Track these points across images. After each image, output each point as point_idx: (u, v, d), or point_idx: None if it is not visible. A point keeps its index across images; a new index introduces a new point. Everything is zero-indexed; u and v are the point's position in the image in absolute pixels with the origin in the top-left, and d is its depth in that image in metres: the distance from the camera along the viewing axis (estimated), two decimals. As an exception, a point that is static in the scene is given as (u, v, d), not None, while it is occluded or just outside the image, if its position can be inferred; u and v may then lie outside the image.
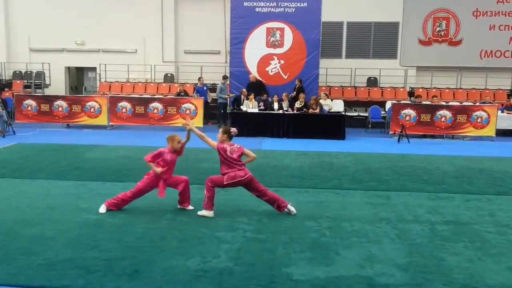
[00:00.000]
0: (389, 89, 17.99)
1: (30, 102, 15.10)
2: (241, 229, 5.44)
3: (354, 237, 5.27)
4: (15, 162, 9.09)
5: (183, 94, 16.01)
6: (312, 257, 4.67)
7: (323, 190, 7.46)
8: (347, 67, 18.33)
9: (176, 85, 18.20)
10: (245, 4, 15.44)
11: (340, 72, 17.96)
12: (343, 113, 15.29)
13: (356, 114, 17.07)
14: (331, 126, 13.74)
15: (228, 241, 5.05)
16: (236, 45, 15.66)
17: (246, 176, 6.01)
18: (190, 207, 6.27)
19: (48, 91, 19.02)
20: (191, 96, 16.04)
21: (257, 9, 15.43)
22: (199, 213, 6.03)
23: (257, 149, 11.43)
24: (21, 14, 19.73)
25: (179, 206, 6.29)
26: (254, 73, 15.55)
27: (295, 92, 15.01)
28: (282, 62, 15.57)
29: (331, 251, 4.84)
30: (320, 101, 14.70)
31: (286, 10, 15.35)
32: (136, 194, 6.10)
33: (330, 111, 14.87)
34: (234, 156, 6.04)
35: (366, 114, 16.56)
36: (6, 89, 18.18)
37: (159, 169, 6.04)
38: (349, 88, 18.13)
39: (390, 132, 14.30)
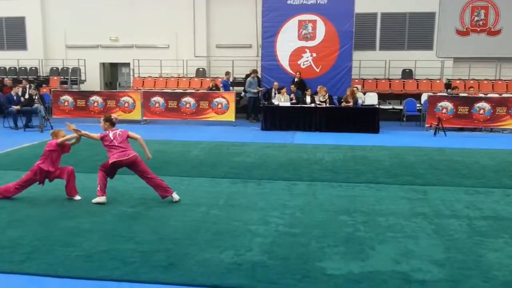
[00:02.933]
0: (424, 81, 17.57)
1: (66, 97, 15.46)
2: (273, 223, 5.42)
3: (389, 232, 5.17)
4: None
5: (214, 88, 16.08)
6: (346, 252, 4.61)
7: (357, 184, 7.36)
8: (381, 59, 18.00)
9: (208, 79, 18.29)
10: (277, -4, 15.35)
11: (374, 64, 17.65)
12: (377, 106, 15.04)
13: (390, 107, 16.75)
14: (365, 120, 13.53)
15: (261, 234, 5.04)
16: (268, 38, 15.59)
17: (129, 157, 6.13)
18: (78, 197, 6.30)
19: (83, 87, 19.42)
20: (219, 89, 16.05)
21: (288, 2, 15.30)
22: (93, 201, 6.11)
23: (289, 142, 11.40)
24: (57, 12, 20.18)
25: (67, 197, 6.33)
26: (286, 66, 15.47)
27: (293, 86, 14.82)
28: (314, 55, 15.41)
29: (365, 246, 4.76)
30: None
31: (319, 2, 15.15)
32: (22, 186, 6.21)
33: (363, 104, 14.65)
34: (118, 140, 6.19)
35: (401, 107, 16.23)
36: (43, 85, 18.64)
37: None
38: (383, 81, 17.80)
39: (426, 125, 13.98)
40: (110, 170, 6.23)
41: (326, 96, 14.13)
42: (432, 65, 17.65)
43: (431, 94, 15.34)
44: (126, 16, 19.61)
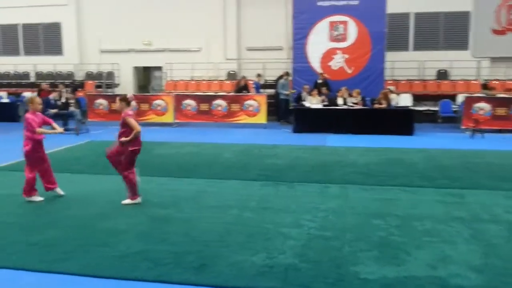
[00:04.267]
0: (461, 82, 17.17)
1: (101, 101, 15.79)
2: (306, 226, 5.38)
3: (425, 237, 5.05)
4: (88, 159, 9.54)
5: (243, 86, 16.07)
6: (380, 256, 4.53)
7: (391, 187, 7.23)
8: (415, 59, 17.69)
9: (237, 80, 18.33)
10: (307, -2, 15.30)
11: (407, 65, 17.36)
12: (411, 107, 14.77)
13: (425, 108, 16.41)
14: (399, 122, 13.28)
15: (293, 237, 5.01)
16: (299, 40, 15.55)
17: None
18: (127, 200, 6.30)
19: (117, 91, 19.81)
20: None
21: (319, 3, 15.22)
22: (123, 202, 6.14)
23: (321, 145, 11.32)
24: (92, 18, 20.67)
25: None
26: (317, 68, 15.39)
27: (325, 88, 14.66)
28: (346, 56, 15.28)
29: (400, 251, 4.66)
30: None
31: (350, 3, 15.03)
32: (33, 169, 6.28)
33: (397, 105, 14.40)
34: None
35: (436, 108, 15.87)
36: (79, 89, 19.09)
37: (57, 130, 6.41)
38: (417, 82, 17.49)
39: (462, 127, 13.63)
40: (133, 161, 6.23)
41: (359, 98, 13.97)
42: (468, 65, 17.21)
43: (468, 95, 14.96)
44: (159, 20, 19.89)
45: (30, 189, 6.28)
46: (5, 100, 18.00)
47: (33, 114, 6.28)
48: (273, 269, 4.22)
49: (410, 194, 6.82)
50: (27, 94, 18.83)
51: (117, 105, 6.30)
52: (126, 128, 6.08)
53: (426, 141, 12.02)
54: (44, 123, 6.39)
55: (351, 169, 8.46)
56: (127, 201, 6.22)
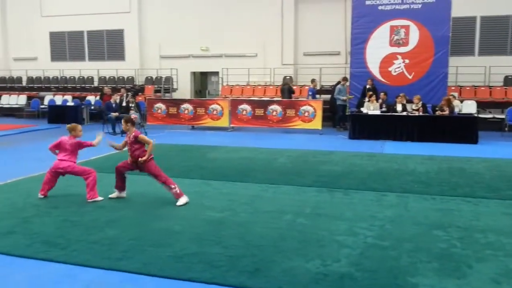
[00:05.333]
0: (530, 89, 16.28)
1: (160, 105, 16.21)
2: (362, 234, 5.24)
3: (488, 250, 4.79)
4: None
5: (287, 87, 16.03)
6: (440, 268, 4.33)
7: (453, 197, 6.92)
8: (481, 65, 16.94)
9: (294, 87, 18.25)
10: (367, 2, 15.04)
11: (472, 70, 16.66)
12: (476, 115, 14.14)
13: (490, 116, 15.68)
14: (462, 129, 12.74)
15: (348, 245, 4.90)
16: (357, 45, 15.32)
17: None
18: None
19: (175, 95, 20.30)
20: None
21: (380, 7, 14.94)
22: (178, 204, 6.34)
23: (378, 152, 11.05)
24: (153, 25, 21.34)
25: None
26: (376, 74, 15.11)
27: (383, 94, 14.29)
28: (406, 61, 14.89)
29: (462, 263, 4.45)
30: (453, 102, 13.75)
31: (412, 7, 14.64)
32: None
33: (460, 112, 13.83)
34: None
35: (503, 116, 15.10)
36: (139, 93, 19.73)
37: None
38: (482, 88, 16.73)
39: (531, 136, 12.92)
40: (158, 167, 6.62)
41: (420, 104, 13.54)
42: (538, 71, 16.32)
43: (537, 102, 14.15)
44: (216, 27, 20.24)
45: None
46: (70, 104, 18.88)
47: (71, 138, 6.75)
48: (328, 277, 4.13)
49: (473, 205, 6.51)
50: (91, 98, 19.73)
51: (123, 126, 6.68)
52: (138, 145, 6.46)
53: (491, 150, 11.47)
54: (77, 147, 6.78)
55: (410, 178, 8.19)
56: (180, 201, 6.35)
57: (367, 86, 14.95)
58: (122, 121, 6.68)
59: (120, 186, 6.69)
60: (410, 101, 13.93)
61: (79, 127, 6.87)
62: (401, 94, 14.01)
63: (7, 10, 23.41)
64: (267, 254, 4.63)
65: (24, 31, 22.93)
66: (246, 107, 15.40)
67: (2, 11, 23.35)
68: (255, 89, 19.32)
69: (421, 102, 13.60)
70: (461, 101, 15.05)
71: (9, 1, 23.31)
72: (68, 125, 6.86)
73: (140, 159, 6.37)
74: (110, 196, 6.67)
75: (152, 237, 5.09)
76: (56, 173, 6.74)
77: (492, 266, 4.38)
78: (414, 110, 13.52)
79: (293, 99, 16.10)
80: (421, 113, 13.36)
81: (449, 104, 13.18)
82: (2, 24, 23.36)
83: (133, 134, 6.48)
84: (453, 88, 16.15)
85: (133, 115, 12.39)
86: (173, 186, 6.41)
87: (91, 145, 6.85)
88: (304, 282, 4.04)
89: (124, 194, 6.72)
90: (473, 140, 12.53)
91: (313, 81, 16.76)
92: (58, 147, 6.75)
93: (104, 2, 21.52)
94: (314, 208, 6.28)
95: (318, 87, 17.78)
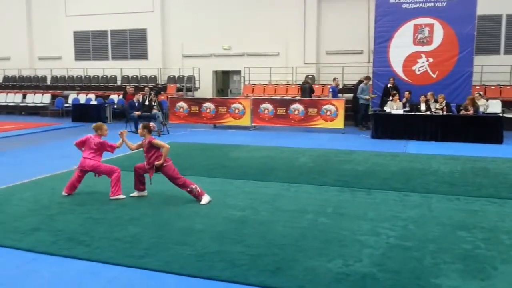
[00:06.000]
0: (557, 88, 15.89)
1: (182, 104, 16.32)
2: (384, 234, 5.19)
3: (514, 252, 4.71)
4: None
5: (306, 85, 15.95)
6: (464, 270, 4.26)
7: (477, 198, 6.80)
8: (507, 63, 16.61)
9: (316, 86, 18.19)
10: (391, 1, 14.90)
11: (497, 69, 16.34)
12: (501, 114, 13.86)
13: (516, 115, 15.38)
14: (487, 129, 12.50)
15: (371, 245, 4.85)
16: (381, 44, 15.18)
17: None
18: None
19: (197, 94, 20.42)
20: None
21: (403, 6, 14.78)
22: (201, 203, 6.35)
23: (401, 152, 10.93)
24: (175, 24, 21.50)
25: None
26: (399, 73, 14.95)
27: (407, 93, 14.10)
28: (430, 60, 14.70)
29: (486, 265, 4.37)
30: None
31: (436, 5, 14.43)
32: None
33: (486, 112, 13.57)
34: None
35: (529, 116, 14.81)
36: (162, 92, 19.90)
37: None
38: (508, 87, 16.40)
39: (558, 136, 12.60)
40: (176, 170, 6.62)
41: (444, 103, 13.33)
42: None
43: None
44: (239, 26, 20.29)
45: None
46: (94, 102, 19.16)
47: (97, 137, 6.83)
48: (350, 277, 4.11)
49: (498, 206, 6.39)
50: (114, 96, 19.97)
51: (139, 131, 6.76)
52: (154, 150, 6.49)
53: (517, 150, 11.23)
54: (101, 147, 6.85)
55: (433, 178, 8.08)
56: (203, 200, 6.39)
57: (389, 85, 14.80)
58: (140, 126, 6.75)
59: (139, 187, 6.75)
60: (437, 101, 13.73)
61: (105, 126, 6.96)
62: (429, 93, 13.82)
63: (32, 10, 23.88)
64: (289, 253, 4.62)
65: (49, 30, 23.36)
66: (268, 106, 15.39)
67: (28, 11, 23.82)
68: (277, 88, 19.31)
69: (445, 101, 13.39)
70: (487, 100, 14.75)
71: (34, 2, 23.78)
72: (94, 124, 6.96)
73: (156, 163, 6.41)
74: (131, 195, 6.74)
75: (174, 235, 5.13)
76: (83, 172, 6.83)
77: (518, 268, 4.30)
78: (438, 109, 13.31)
79: (313, 98, 16.03)
80: (445, 113, 13.15)
81: (474, 103, 12.95)
82: (27, 24, 23.84)
83: (148, 140, 6.53)
84: (477, 87, 15.85)
85: (155, 112, 12.49)
86: (193, 187, 6.43)
87: (115, 147, 6.93)
88: (326, 281, 4.02)
89: (145, 193, 6.78)
90: (498, 140, 12.28)
91: (334, 79, 16.66)
92: (83, 145, 6.84)
93: (127, 2, 21.77)
94: (336, 208, 6.24)
95: (340, 86, 17.68)
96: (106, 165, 6.88)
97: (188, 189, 6.43)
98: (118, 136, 6.97)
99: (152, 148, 6.50)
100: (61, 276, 4.20)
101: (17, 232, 5.26)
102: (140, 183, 6.73)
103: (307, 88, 16.36)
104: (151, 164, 6.48)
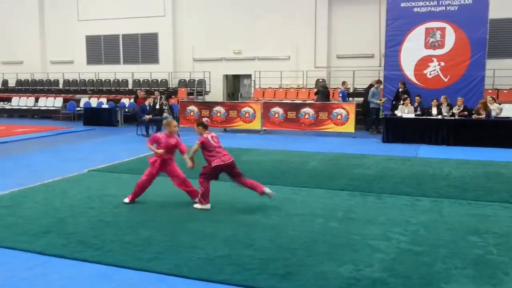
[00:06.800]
0: None
1: (192, 108, 16.36)
2: (395, 239, 5.16)
3: (527, 257, 4.66)
4: (178, 163, 9.87)
5: (322, 89, 15.89)
6: (476, 275, 4.22)
7: (490, 203, 6.74)
8: (520, 67, 16.45)
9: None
10: (402, 4, 14.84)
11: (510, 73, 16.15)
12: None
13: (529, 120, 15.19)
14: (499, 133, 12.37)
15: (381, 250, 4.83)
16: (392, 47, 15.12)
17: (229, 161, 6.29)
18: (197, 205, 6.40)
19: (208, 98, 20.48)
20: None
21: (415, 9, 14.72)
22: (195, 206, 6.33)
23: (412, 156, 10.87)
24: (187, 28, 21.59)
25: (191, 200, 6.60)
26: (410, 76, 14.89)
27: (418, 97, 14.02)
28: (442, 64, 14.60)
29: (498, 270, 4.33)
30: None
31: (448, 9, 14.36)
32: (148, 180, 6.55)
33: (498, 116, 13.44)
34: (216, 142, 6.35)
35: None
36: (172, 96, 19.96)
37: (160, 150, 6.50)
38: (521, 91, 16.26)
39: None
40: (212, 175, 6.40)
41: (462, 107, 13.18)
42: None
43: None
44: (249, 30, 20.33)
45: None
46: (105, 106, 19.29)
47: (167, 135, 6.67)
48: (360, 282, 4.09)
49: (510, 211, 6.33)
50: (125, 100, 20.10)
51: (196, 129, 6.56)
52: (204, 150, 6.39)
53: (531, 155, 11.10)
54: (171, 146, 6.64)
55: (444, 182, 8.02)
56: (197, 205, 6.39)
57: (400, 90, 14.74)
58: (195, 125, 6.59)
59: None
60: (450, 105, 13.62)
61: (174, 122, 6.86)
62: (442, 97, 13.73)
63: (45, 15, 24.14)
64: (299, 258, 4.61)
65: (61, 35, 23.59)
66: (278, 110, 15.38)
67: (40, 16, 24.08)
68: (288, 92, 19.29)
69: (463, 105, 13.25)
70: (500, 104, 14.61)
71: (47, 6, 24.04)
72: (164, 121, 6.95)
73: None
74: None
75: (185, 239, 5.14)
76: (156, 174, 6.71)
77: (530, 274, 4.25)
78: (455, 112, 13.17)
79: (325, 102, 16.01)
80: (464, 116, 13.01)
81: (485, 107, 12.84)
82: (40, 28, 24.10)
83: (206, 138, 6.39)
84: (490, 91, 15.70)
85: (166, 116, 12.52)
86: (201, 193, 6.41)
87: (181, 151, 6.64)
88: (336, 286, 4.00)
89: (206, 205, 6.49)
90: (511, 144, 12.15)
91: (344, 83, 16.61)
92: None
93: (139, 6, 21.90)
94: (346, 212, 6.22)
95: (351, 90, 17.62)
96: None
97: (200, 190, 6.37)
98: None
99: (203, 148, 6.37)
100: (72, 279, 4.22)
101: (28, 234, 5.31)
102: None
103: (325, 92, 16.28)
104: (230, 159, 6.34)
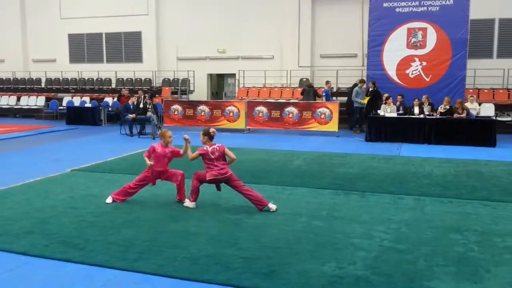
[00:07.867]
0: (550, 92, 16.01)
1: (176, 107, 16.31)
2: (378, 237, 5.22)
3: (507, 254, 4.74)
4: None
5: (309, 88, 16.00)
6: (457, 272, 4.29)
7: (470, 201, 6.85)
8: (499, 67, 16.71)
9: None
10: (385, 4, 14.99)
11: (490, 73, 16.43)
12: (494, 117, 13.95)
13: (509, 119, 15.45)
14: (480, 132, 12.59)
15: (364, 248, 4.88)
16: (374, 47, 15.26)
17: (224, 176, 6.26)
18: (186, 201, 6.45)
19: (192, 97, 20.40)
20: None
21: (397, 9, 14.88)
22: (184, 204, 6.42)
23: (395, 155, 10.98)
24: (170, 27, 21.48)
25: (176, 200, 6.61)
26: (393, 76, 15.05)
27: (400, 96, 14.20)
28: (424, 63, 14.79)
29: (479, 268, 4.40)
30: (466, 104, 13.58)
31: (430, 9, 14.54)
32: (137, 186, 6.55)
33: (478, 115, 13.65)
34: (215, 155, 6.29)
35: (522, 119, 14.90)
36: (156, 95, 19.85)
37: (150, 162, 6.49)
38: (501, 91, 16.52)
39: (551, 140, 12.69)
40: (205, 182, 6.41)
41: (447, 106, 13.31)
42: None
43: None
44: (233, 29, 20.32)
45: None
46: (88, 105, 19.11)
47: (161, 147, 6.62)
48: (343, 279, 4.12)
49: (491, 209, 6.44)
50: (109, 99, 19.94)
51: (200, 138, 6.51)
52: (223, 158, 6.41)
53: (509, 153, 11.30)
54: (170, 156, 6.66)
55: (427, 181, 8.13)
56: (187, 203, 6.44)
57: (370, 89, 14.91)
58: (200, 134, 6.53)
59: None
60: (431, 104, 13.79)
61: (169, 133, 6.78)
62: (424, 96, 13.89)
63: (26, 13, 23.79)
64: (282, 256, 4.64)
65: (44, 33, 23.27)
66: (262, 109, 15.41)
67: (22, 14, 23.73)
68: (272, 91, 19.34)
69: (449, 105, 13.41)
70: (479, 104, 14.85)
71: (28, 4, 23.70)
72: (158, 132, 6.85)
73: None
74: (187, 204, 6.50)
75: (168, 239, 5.13)
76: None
77: (510, 271, 4.34)
78: (440, 112, 13.32)
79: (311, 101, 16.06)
80: (445, 115, 13.17)
81: (462, 106, 13.04)
82: (22, 26, 23.74)
83: (221, 147, 6.41)
84: (471, 90, 15.94)
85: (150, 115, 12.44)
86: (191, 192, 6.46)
87: (180, 155, 6.72)
88: (319, 284, 4.03)
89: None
90: (491, 143, 12.37)
91: (327, 82, 16.70)
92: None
93: (122, 5, 21.73)
94: (330, 211, 6.26)
95: (335, 89, 17.71)
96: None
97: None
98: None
99: (223, 156, 6.37)
100: (54, 279, 4.19)
101: (10, 235, 5.25)
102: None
103: (310, 91, 16.32)
104: (226, 172, 6.32)
